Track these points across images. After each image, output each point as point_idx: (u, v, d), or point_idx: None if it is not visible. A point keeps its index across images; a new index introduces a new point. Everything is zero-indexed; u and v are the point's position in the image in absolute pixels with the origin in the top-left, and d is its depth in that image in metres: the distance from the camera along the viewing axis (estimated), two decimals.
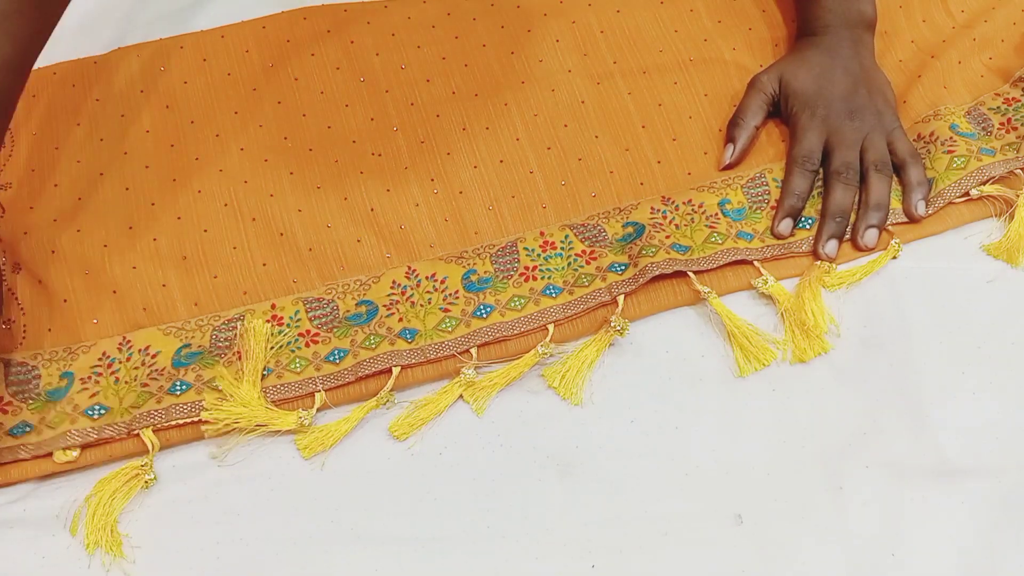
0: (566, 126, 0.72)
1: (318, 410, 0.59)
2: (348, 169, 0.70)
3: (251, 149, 0.70)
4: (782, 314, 0.63)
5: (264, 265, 0.65)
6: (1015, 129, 0.71)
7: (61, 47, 0.74)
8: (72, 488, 0.57)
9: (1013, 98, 0.73)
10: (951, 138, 0.69)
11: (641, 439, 0.59)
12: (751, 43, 0.76)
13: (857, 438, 0.59)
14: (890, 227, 0.66)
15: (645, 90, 0.74)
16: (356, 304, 0.64)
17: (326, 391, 0.60)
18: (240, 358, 0.61)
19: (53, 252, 0.65)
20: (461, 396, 0.60)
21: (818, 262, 0.65)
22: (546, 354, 0.61)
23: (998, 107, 0.72)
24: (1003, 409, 0.60)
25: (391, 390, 0.60)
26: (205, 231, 0.67)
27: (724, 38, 0.76)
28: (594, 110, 0.72)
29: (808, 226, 0.67)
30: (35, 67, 0.72)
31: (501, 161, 0.70)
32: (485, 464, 0.58)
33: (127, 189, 0.68)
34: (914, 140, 0.71)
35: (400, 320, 0.63)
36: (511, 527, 0.56)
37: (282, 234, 0.67)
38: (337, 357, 0.61)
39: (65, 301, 0.64)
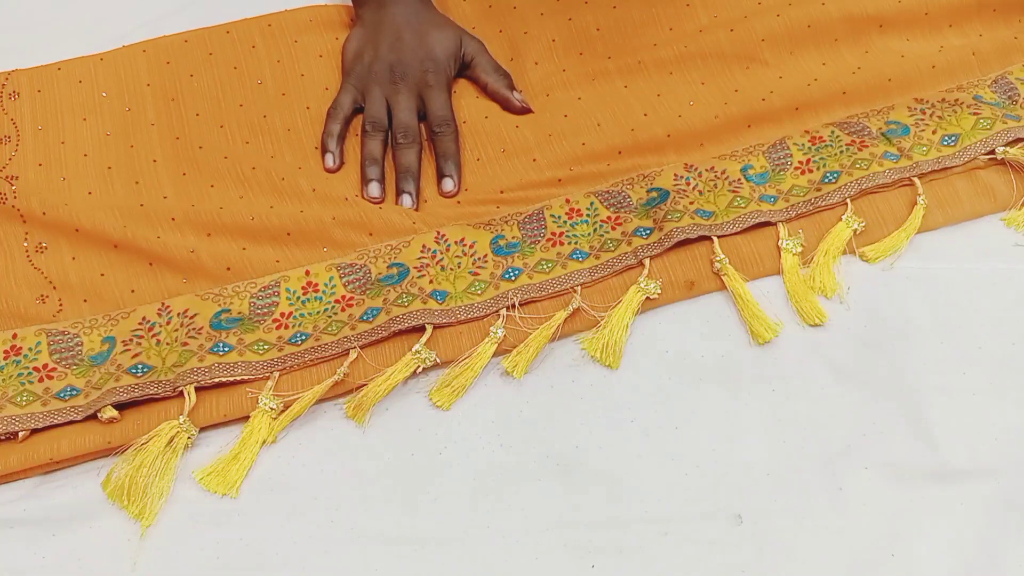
0: (566, 116, 0.72)
1: (346, 377, 0.60)
2: (352, 164, 0.71)
3: (256, 142, 0.71)
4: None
5: (288, 235, 0.66)
6: None
7: (66, 45, 0.75)
8: (73, 488, 0.57)
9: None
10: (976, 103, 0.70)
11: (641, 439, 0.59)
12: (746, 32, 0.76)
13: (857, 438, 0.59)
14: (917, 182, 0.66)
15: (641, 81, 0.74)
16: (388, 267, 0.64)
17: (361, 347, 0.61)
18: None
19: (77, 231, 0.66)
20: (504, 369, 0.60)
21: (841, 223, 0.65)
22: (577, 309, 0.62)
23: None
24: (1003, 409, 0.60)
25: (426, 345, 0.60)
26: (221, 208, 0.67)
27: (721, 29, 0.76)
28: (591, 103, 0.73)
29: (834, 179, 0.67)
30: (41, 64, 0.73)
31: (503, 151, 0.71)
32: (485, 464, 0.58)
33: (137, 183, 0.69)
34: (939, 103, 0.70)
35: (431, 282, 0.63)
36: (511, 527, 0.56)
37: (302, 211, 0.67)
38: (371, 315, 0.62)
39: (103, 275, 0.64)
